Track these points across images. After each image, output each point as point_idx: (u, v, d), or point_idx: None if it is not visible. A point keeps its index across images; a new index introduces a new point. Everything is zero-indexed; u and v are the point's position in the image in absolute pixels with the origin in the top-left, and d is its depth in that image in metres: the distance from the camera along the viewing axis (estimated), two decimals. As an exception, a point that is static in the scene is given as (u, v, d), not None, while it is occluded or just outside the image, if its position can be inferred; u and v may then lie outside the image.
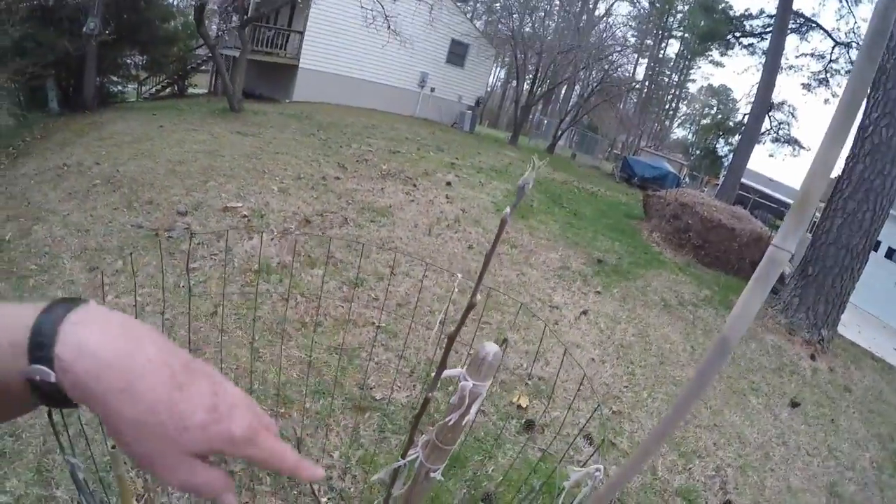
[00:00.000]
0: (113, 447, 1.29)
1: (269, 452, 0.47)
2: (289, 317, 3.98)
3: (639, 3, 48.43)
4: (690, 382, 0.71)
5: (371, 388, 3.45)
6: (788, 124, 36.82)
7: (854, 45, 24.82)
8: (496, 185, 10.84)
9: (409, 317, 4.03)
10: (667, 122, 58.04)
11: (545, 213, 9.77)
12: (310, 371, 3.37)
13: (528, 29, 25.89)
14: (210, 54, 15.18)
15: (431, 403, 3.11)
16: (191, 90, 22.46)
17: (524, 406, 3.88)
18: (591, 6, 44.94)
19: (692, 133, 57.35)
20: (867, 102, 8.18)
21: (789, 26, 23.87)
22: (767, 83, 22.59)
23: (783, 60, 25.15)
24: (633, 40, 41.27)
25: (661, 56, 52.27)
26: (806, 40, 35.04)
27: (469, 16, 27.56)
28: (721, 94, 53.44)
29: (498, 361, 0.95)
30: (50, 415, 1.02)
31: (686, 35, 45.92)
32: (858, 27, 24.58)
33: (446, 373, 0.95)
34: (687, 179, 31.91)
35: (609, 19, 42.90)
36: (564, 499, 1.25)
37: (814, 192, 0.64)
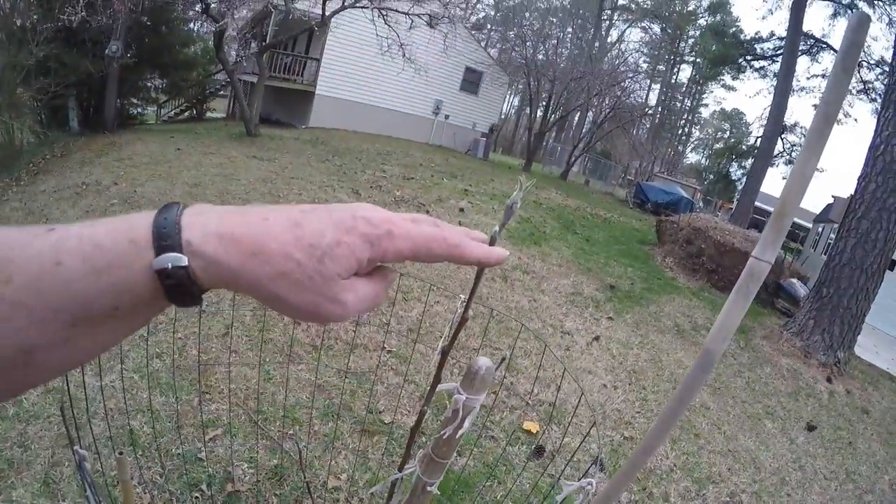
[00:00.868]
0: (121, 453, 1.31)
1: (426, 234, 0.47)
2: (300, 339, 4.01)
3: (651, 29, 48.87)
4: (676, 394, 0.73)
5: (380, 412, 3.45)
6: (801, 146, 36.68)
7: (865, 63, 24.84)
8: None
9: (420, 341, 4.05)
10: (680, 147, 58.06)
11: (558, 239, 9.78)
12: (319, 393, 3.39)
13: (541, 56, 26.11)
14: (228, 79, 15.50)
15: (433, 421, 3.10)
16: (209, 114, 22.84)
17: (534, 431, 3.86)
18: (603, 33, 45.39)
19: (705, 157, 57.36)
20: (878, 121, 8.17)
21: (800, 48, 23.98)
22: (779, 105, 22.65)
23: (794, 82, 25.28)
24: (645, 66, 41.61)
25: (673, 81, 52.50)
26: (816, 61, 34.85)
27: (483, 44, 27.89)
28: (733, 118, 53.49)
29: (491, 375, 0.97)
30: (62, 410, 1.05)
31: (698, 60, 46.12)
32: (869, 46, 24.63)
33: (441, 387, 0.97)
34: (701, 204, 31.79)
35: (621, 45, 43.38)
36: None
37: (791, 204, 0.65)
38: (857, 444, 5.79)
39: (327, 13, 13.95)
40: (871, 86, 25.02)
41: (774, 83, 25.51)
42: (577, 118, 40.63)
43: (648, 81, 41.89)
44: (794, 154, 36.15)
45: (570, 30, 37.34)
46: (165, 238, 0.39)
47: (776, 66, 26.82)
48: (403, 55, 15.08)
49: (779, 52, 26.93)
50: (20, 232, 0.40)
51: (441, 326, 4.97)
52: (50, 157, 10.97)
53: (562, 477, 3.32)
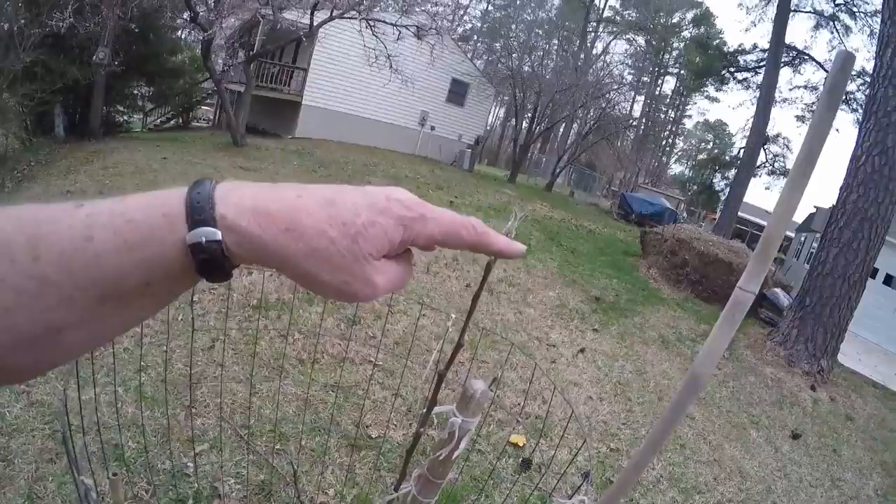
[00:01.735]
0: (114, 474, 1.31)
1: (457, 221, 0.48)
2: (286, 353, 4.00)
3: (635, 41, 49.36)
4: (664, 416, 0.75)
5: (367, 427, 3.45)
6: (784, 157, 37.34)
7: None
8: (494, 223, 10.78)
9: (406, 355, 4.05)
10: (664, 158, 58.54)
11: (543, 252, 9.83)
12: (306, 408, 3.38)
13: (526, 68, 26.32)
14: (215, 88, 15.44)
15: (425, 439, 3.11)
16: (195, 123, 22.75)
17: (521, 445, 3.87)
18: (588, 45, 45.76)
19: (689, 168, 57.88)
20: (859, 132, 8.31)
21: (782, 60, 24.33)
22: (762, 116, 22.96)
23: (777, 93, 25.62)
24: (629, 78, 42.01)
25: (657, 93, 53.05)
26: (799, 72, 35.38)
27: (469, 55, 28.04)
28: (717, 129, 54.05)
29: (486, 398, 0.99)
30: (64, 440, 1.06)
31: (682, 71, 46.65)
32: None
33: (437, 409, 0.99)
34: (685, 215, 32.12)
35: (606, 58, 43.68)
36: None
37: (776, 236, 0.67)
38: (841, 451, 5.87)
39: (315, 24, 13.98)
40: (852, 96, 25.41)
41: (757, 94, 25.86)
42: (562, 129, 40.90)
43: (633, 93, 42.24)
44: (776, 164, 36.70)
45: (555, 42, 37.65)
46: (199, 212, 0.39)
47: (759, 78, 27.21)
48: (390, 66, 15.15)
49: (761, 63, 27.35)
50: (48, 209, 0.39)
51: (427, 340, 4.98)
52: (35, 163, 10.87)
53: (553, 491, 3.34)
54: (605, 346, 6.48)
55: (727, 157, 45.17)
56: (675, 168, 61.61)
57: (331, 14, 13.97)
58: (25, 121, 14.08)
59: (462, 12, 43.52)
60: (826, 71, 26.08)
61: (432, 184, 14.00)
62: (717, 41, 31.81)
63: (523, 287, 7.54)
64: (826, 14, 26.54)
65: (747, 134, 26.49)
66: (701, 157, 54.06)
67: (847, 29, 26.24)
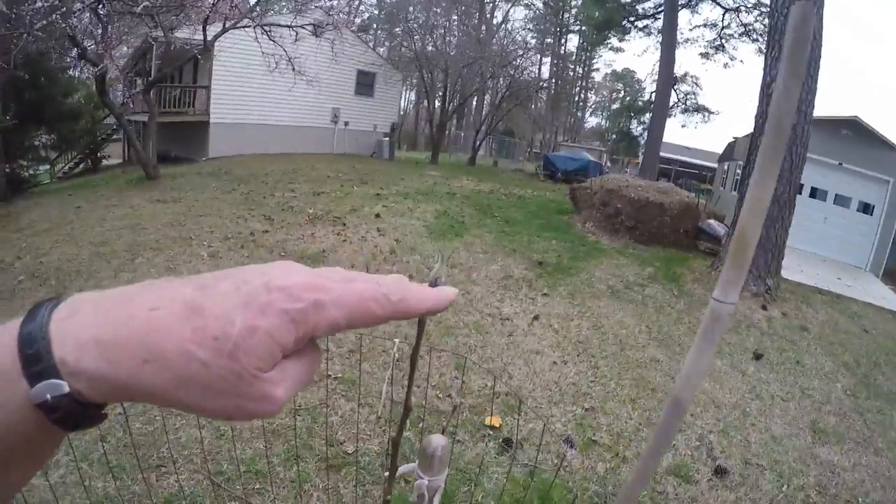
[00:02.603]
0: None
1: (363, 295, 0.38)
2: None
3: (534, 5, 49.75)
4: (649, 446, 0.71)
5: (341, 443, 3.38)
6: (695, 94, 38.54)
7: (742, 8, 26.09)
8: (424, 207, 10.87)
9: (364, 360, 3.98)
10: (579, 114, 59.54)
11: (477, 227, 9.85)
12: (274, 438, 3.28)
13: (430, 48, 26.17)
14: (118, 124, 14.81)
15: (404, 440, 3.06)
16: (105, 162, 21.83)
17: (498, 425, 3.87)
18: (488, 16, 45.85)
19: (605, 119, 59.13)
20: (765, 61, 8.58)
21: (679, 2, 24.97)
22: (667, 59, 23.57)
23: (679, 35, 26.32)
24: (533, 42, 42.34)
25: (562, 52, 53.63)
26: (697, 12, 36.36)
27: (371, 44, 27.72)
28: (626, 78, 55.13)
29: (448, 453, 0.94)
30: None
31: (583, 28, 47.27)
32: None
33: (400, 470, 0.93)
34: (608, 164, 32.81)
35: (507, 25, 43.90)
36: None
37: (750, 233, 0.58)
38: (804, 361, 6.12)
39: (209, 38, 13.51)
40: (751, 27, 26.27)
41: (660, 39, 26.49)
42: (475, 103, 41.01)
43: (539, 56, 42.72)
44: (689, 102, 37.81)
45: (455, 17, 37.53)
46: (34, 362, 0.31)
47: (659, 23, 27.85)
48: (293, 69, 14.80)
49: (660, 9, 27.99)
50: None
51: (382, 342, 4.90)
52: (-59, 241, 10.23)
53: (542, 468, 3.35)
54: (558, 308, 6.55)
55: (640, 103, 46.29)
56: (592, 121, 62.90)
57: (223, 26, 13.50)
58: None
59: (357, 2, 42.97)
60: (723, 7, 26.97)
61: (355, 179, 13.83)
62: (614, -7, 32.33)
63: (465, 266, 7.53)
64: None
65: (656, 78, 27.18)
66: (615, 106, 55.25)
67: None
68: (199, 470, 2.97)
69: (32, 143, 17.03)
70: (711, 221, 10.41)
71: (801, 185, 11.15)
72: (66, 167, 20.94)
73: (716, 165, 24.43)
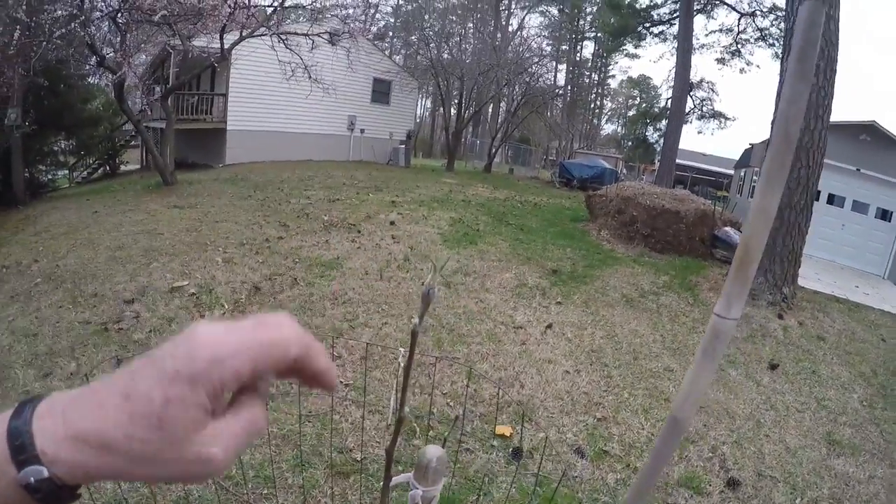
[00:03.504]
0: None
1: (262, 341, 0.41)
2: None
3: (549, 12, 49.80)
4: (645, 466, 0.69)
5: (350, 450, 3.37)
6: (711, 100, 38.40)
7: (758, 13, 25.92)
8: (439, 214, 10.88)
9: (374, 368, 3.97)
10: (595, 121, 59.46)
11: (492, 234, 9.83)
12: (284, 444, 3.28)
13: (446, 56, 26.26)
14: (136, 130, 14.98)
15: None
16: (123, 167, 22.09)
17: (508, 435, 3.84)
18: (503, 23, 46.00)
19: (621, 126, 58.83)
20: (781, 65, 8.49)
21: (694, 7, 24.84)
22: (683, 65, 23.43)
23: (694, 41, 26.15)
24: (549, 49, 42.36)
25: (578, 59, 53.63)
26: (713, 17, 36.20)
27: (387, 52, 27.85)
28: (642, 84, 54.91)
29: (444, 464, 0.93)
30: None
31: (599, 35, 47.18)
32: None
33: (395, 480, 0.92)
34: (625, 172, 32.67)
35: (523, 32, 44.00)
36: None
37: (755, 246, 0.56)
38: (820, 371, 6.02)
39: (226, 47, 13.64)
40: (767, 32, 26.05)
41: (675, 45, 26.36)
42: (490, 110, 41.12)
43: (554, 63, 42.64)
44: (705, 108, 37.63)
45: (470, 25, 37.71)
46: (21, 451, 0.38)
47: (675, 29, 27.70)
48: (309, 77, 14.90)
49: (675, 14, 27.82)
50: None
51: (393, 348, 4.89)
52: (-38, 244, 10.39)
53: (551, 478, 3.31)
54: (572, 316, 6.51)
55: (656, 109, 45.96)
56: (608, 128, 62.69)
57: (240, 34, 13.65)
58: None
59: (373, 11, 43.24)
60: (739, 12, 26.79)
61: (370, 186, 13.87)
62: (629, 0, 32.18)
63: (479, 274, 7.51)
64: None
65: (672, 84, 27.04)
66: (631, 113, 54.94)
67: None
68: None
69: (51, 149, 17.31)
70: (727, 229, 10.30)
71: (819, 192, 11.04)
72: (85, 172, 21.21)
73: (732, 172, 24.22)
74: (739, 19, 27.30)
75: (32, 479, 0.38)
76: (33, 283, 6.49)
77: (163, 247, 7.58)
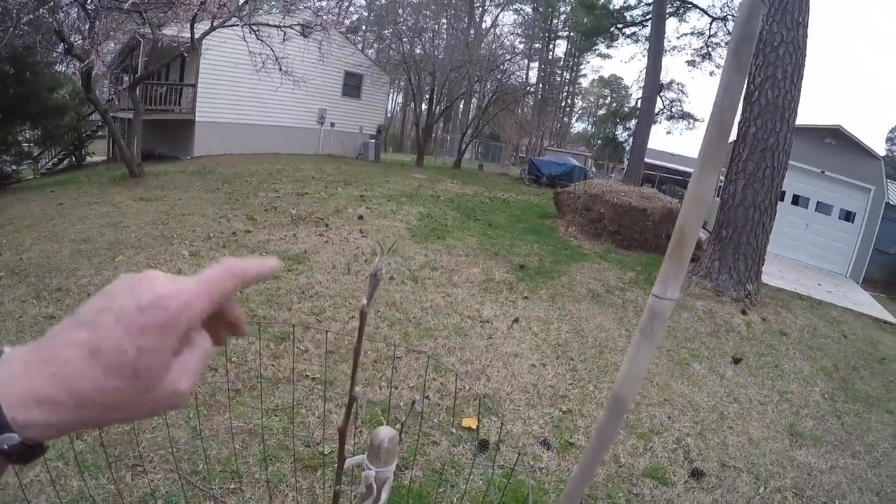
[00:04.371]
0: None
1: (213, 278, 0.47)
2: (220, 386, 3.86)
3: (523, 10, 49.90)
4: (590, 446, 0.73)
5: (318, 444, 3.39)
6: (680, 101, 39.03)
7: (730, 17, 26.37)
8: (408, 209, 10.90)
9: (342, 361, 3.99)
10: (565, 119, 59.80)
11: (460, 230, 9.88)
12: (251, 439, 3.29)
13: (418, 51, 26.17)
14: (103, 120, 14.67)
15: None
16: (89, 159, 21.59)
17: (473, 427, 3.89)
18: (477, 20, 45.97)
19: (591, 125, 59.36)
20: (749, 70, 8.65)
21: (667, 10, 25.16)
22: (654, 66, 23.71)
23: (666, 43, 26.50)
24: (521, 46, 42.49)
25: (550, 57, 53.89)
26: (685, 21, 36.68)
27: (360, 46, 27.67)
28: (613, 84, 55.46)
29: (395, 445, 0.97)
30: None
31: (571, 34, 47.46)
32: (732, 0, 26.18)
33: (348, 462, 0.96)
34: (593, 170, 32.99)
35: (496, 30, 44.03)
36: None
37: (689, 228, 0.58)
38: (782, 366, 6.21)
39: (197, 36, 13.43)
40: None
41: (647, 46, 26.65)
42: (461, 106, 41.09)
43: (526, 61, 42.87)
44: (674, 109, 38.15)
45: (444, 21, 37.58)
46: None
47: (647, 31, 28.02)
48: (280, 69, 14.75)
49: (647, 17, 28.14)
50: None
51: (352, 336, 4.91)
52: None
53: (519, 470, 3.37)
54: (538, 311, 6.59)
55: (626, 109, 46.49)
56: (578, 126, 63.14)
57: (212, 24, 13.43)
58: None
59: (346, 4, 42.92)
60: (710, 16, 27.23)
61: (339, 180, 13.82)
62: (602, 0, 32.41)
63: (447, 268, 7.56)
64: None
65: (642, 84, 27.34)
66: (601, 112, 55.48)
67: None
68: (174, 469, 2.97)
69: (16, 139, 16.79)
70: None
71: (784, 192, 11.32)
72: (50, 163, 20.64)
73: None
74: (711, 23, 27.82)
75: (6, 445, 0.39)
76: (-4, 276, 6.35)
77: (129, 240, 7.47)
